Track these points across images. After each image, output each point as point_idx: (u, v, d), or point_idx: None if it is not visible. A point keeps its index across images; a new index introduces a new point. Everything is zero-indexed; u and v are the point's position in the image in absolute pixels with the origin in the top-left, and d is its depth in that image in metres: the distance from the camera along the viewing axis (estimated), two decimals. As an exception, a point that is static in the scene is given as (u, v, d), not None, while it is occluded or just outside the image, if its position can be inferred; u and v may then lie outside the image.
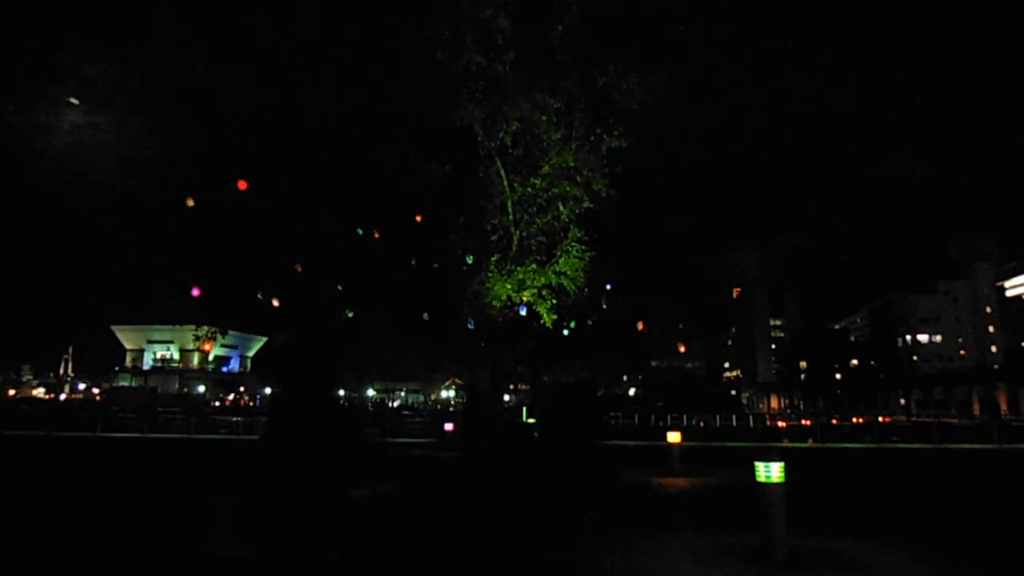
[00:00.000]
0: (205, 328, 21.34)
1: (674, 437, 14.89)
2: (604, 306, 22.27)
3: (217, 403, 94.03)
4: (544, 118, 17.05)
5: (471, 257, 17.50)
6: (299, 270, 18.12)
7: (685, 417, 51.35)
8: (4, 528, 8.63)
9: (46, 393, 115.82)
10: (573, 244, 17.94)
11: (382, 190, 18.48)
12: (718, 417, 53.46)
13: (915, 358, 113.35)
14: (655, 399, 73.36)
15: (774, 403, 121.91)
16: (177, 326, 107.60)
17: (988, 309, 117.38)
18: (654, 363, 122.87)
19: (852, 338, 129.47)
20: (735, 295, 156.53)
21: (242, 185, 16.22)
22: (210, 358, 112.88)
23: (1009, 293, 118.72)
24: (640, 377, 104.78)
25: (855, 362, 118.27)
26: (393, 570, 6.93)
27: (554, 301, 18.15)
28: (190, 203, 15.68)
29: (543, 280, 17.80)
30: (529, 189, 17.86)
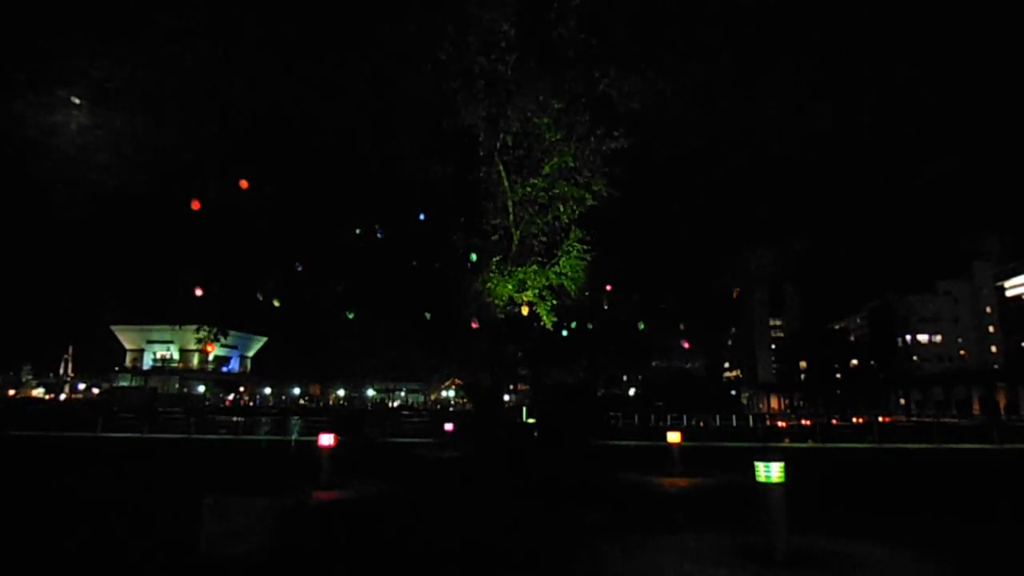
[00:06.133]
0: (206, 329, 21.36)
1: (674, 437, 14.90)
2: (605, 307, 22.27)
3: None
4: (545, 119, 17.06)
5: (475, 255, 17.50)
6: (300, 270, 18.15)
7: (685, 417, 51.38)
8: (5, 528, 8.64)
9: (46, 393, 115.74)
10: (574, 245, 17.94)
11: (384, 190, 18.51)
12: (718, 417, 53.53)
13: (915, 358, 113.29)
14: (655, 399, 73.38)
15: (774, 403, 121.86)
16: (177, 326, 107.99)
17: (988, 309, 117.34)
18: (654, 363, 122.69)
19: (852, 338, 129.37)
20: (735, 295, 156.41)
21: (244, 184, 16.23)
22: (210, 358, 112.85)
23: (1009, 293, 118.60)
24: (640, 377, 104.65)
25: (855, 362, 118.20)
26: (395, 568, 6.95)
27: (555, 301, 18.15)
28: (195, 206, 15.68)
29: (544, 281, 17.80)
30: (529, 189, 17.87)
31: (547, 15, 16.56)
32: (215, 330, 20.60)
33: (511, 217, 18.19)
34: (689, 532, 8.37)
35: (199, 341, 20.59)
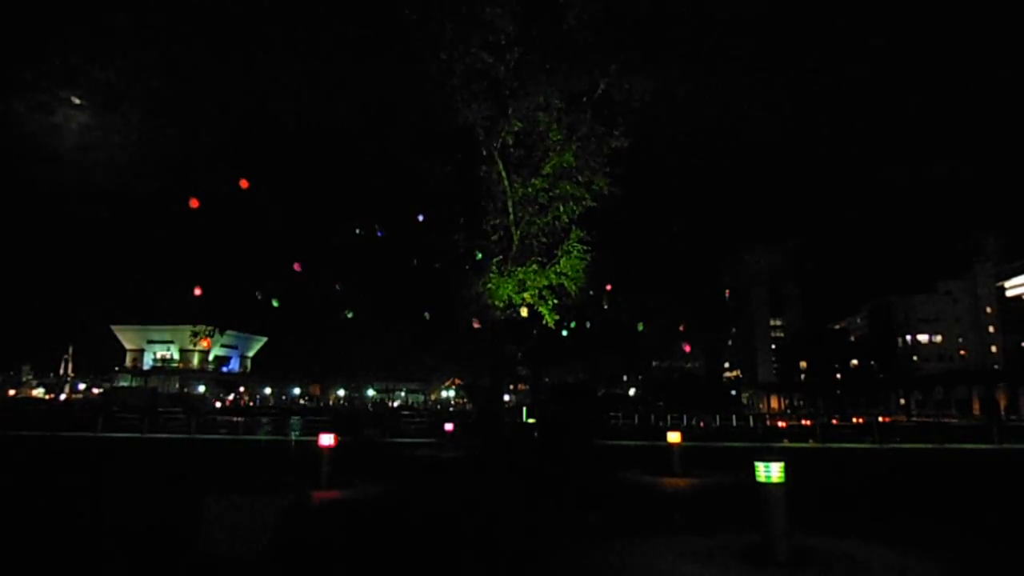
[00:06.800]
0: (203, 326, 21.37)
1: (674, 437, 14.88)
2: (605, 306, 22.28)
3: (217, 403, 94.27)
4: (547, 118, 17.06)
5: (480, 254, 17.51)
6: (299, 270, 18.15)
7: (685, 417, 51.40)
8: (6, 528, 8.64)
9: (46, 393, 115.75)
10: (574, 245, 17.93)
11: (384, 190, 18.53)
12: (718, 417, 53.58)
13: (915, 358, 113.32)
14: (655, 399, 73.45)
15: (774, 403, 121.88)
16: (177, 326, 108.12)
17: (988, 309, 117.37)
18: (654, 363, 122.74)
19: (852, 338, 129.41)
20: (727, 295, 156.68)
21: (244, 184, 16.24)
22: (210, 358, 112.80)
23: (1009, 293, 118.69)
24: (640, 377, 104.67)
25: (855, 362, 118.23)
26: (395, 568, 6.94)
27: (555, 301, 18.15)
28: (194, 204, 15.68)
29: (544, 281, 17.80)
30: (529, 189, 17.87)
31: (549, 13, 16.55)
32: (212, 329, 20.61)
33: (511, 217, 18.19)
34: (689, 532, 8.36)
35: (195, 335, 20.54)
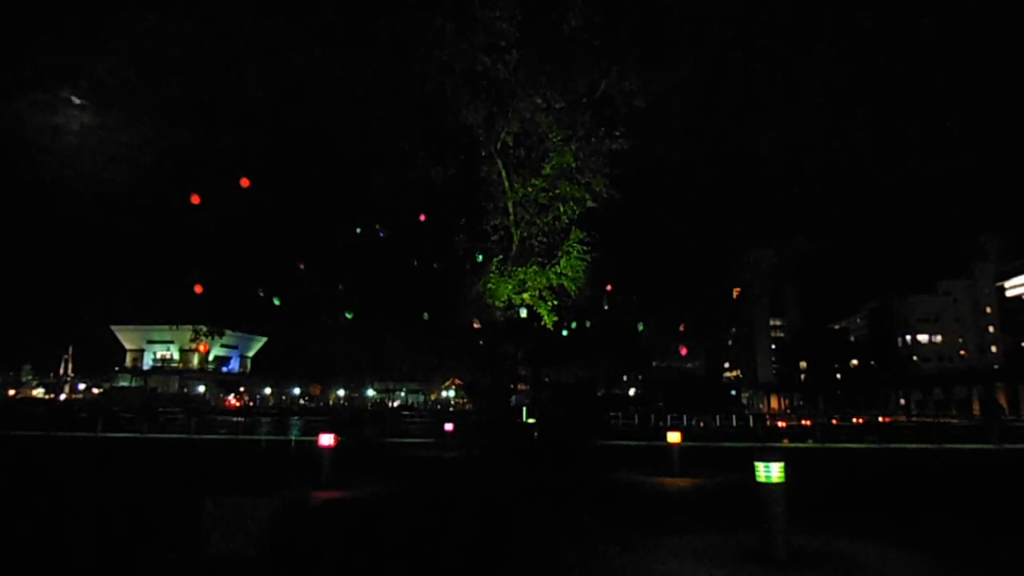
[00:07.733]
0: (203, 328, 21.41)
1: (674, 437, 14.89)
2: (605, 306, 22.31)
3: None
4: (547, 119, 17.08)
5: (480, 256, 17.55)
6: (301, 268, 18.17)
7: (685, 417, 51.36)
8: (5, 528, 8.64)
9: (46, 393, 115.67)
10: (574, 245, 17.94)
11: (385, 191, 18.55)
12: (718, 417, 53.56)
13: (915, 358, 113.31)
14: (655, 399, 73.36)
15: (774, 403, 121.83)
16: (177, 326, 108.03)
17: (988, 309, 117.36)
18: (654, 363, 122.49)
19: (852, 338, 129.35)
20: (735, 295, 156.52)
21: (245, 183, 16.28)
22: (210, 358, 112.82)
23: (1009, 293, 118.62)
24: (640, 377, 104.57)
25: (855, 362, 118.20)
26: (395, 569, 6.95)
27: (555, 302, 18.17)
28: (195, 200, 15.72)
29: (544, 281, 17.82)
30: (529, 190, 17.88)
31: (550, 14, 16.57)
32: (210, 330, 20.65)
33: (511, 217, 18.20)
34: (689, 532, 8.37)
35: (192, 341, 20.66)
